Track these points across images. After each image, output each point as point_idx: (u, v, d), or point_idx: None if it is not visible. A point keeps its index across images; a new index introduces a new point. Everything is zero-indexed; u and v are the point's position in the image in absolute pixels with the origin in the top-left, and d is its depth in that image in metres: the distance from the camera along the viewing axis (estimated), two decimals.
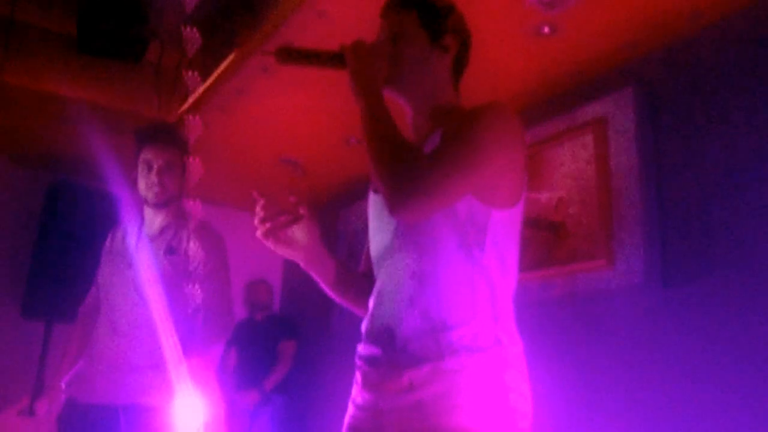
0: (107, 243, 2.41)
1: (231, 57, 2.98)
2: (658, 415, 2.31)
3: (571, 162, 2.84)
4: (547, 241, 2.84)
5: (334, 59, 1.34)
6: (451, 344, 1.21)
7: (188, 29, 2.55)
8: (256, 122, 3.46)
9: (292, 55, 1.33)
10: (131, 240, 2.30)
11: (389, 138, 1.27)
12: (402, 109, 1.44)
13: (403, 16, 1.41)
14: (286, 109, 3.30)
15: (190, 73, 2.70)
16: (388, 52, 1.38)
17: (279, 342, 4.39)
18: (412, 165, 1.21)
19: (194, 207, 2.37)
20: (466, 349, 1.21)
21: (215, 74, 3.13)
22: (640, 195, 2.53)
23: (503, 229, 1.29)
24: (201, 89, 3.17)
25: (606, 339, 2.57)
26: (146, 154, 2.27)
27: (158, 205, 2.29)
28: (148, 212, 2.34)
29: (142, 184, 2.29)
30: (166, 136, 2.33)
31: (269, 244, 1.36)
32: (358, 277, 1.51)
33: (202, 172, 2.39)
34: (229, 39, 3.00)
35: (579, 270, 2.68)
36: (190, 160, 2.37)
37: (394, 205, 1.21)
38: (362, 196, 1.67)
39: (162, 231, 2.31)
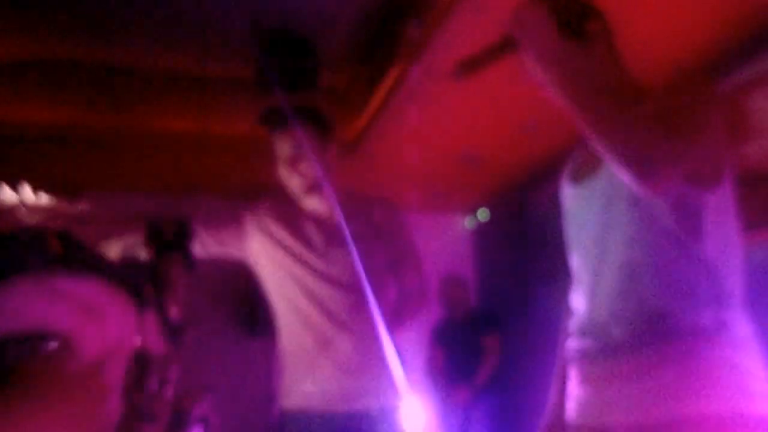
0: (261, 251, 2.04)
1: (397, 67, 3.05)
2: None
3: None
4: (764, 197, 2.55)
5: (504, 47, 1.28)
6: (670, 330, 1.16)
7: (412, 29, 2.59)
8: (432, 124, 3.50)
9: (468, 66, 1.31)
10: (312, 242, 2.04)
11: (601, 92, 1.10)
12: None
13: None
14: (462, 108, 3.31)
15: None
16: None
17: (482, 337, 4.39)
18: (648, 122, 1.07)
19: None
20: (689, 334, 1.15)
21: (383, 87, 3.23)
22: None
23: (718, 209, 1.18)
24: (373, 104, 3.30)
25: None
26: (274, 145, 1.97)
27: (302, 196, 2.01)
28: (307, 203, 2.04)
29: (282, 178, 2.00)
30: (287, 119, 1.93)
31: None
32: None
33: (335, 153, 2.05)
34: (390, 50, 3.08)
35: None
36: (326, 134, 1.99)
37: (640, 171, 1.05)
38: (548, 179, 1.61)
39: (346, 223, 2.01)
